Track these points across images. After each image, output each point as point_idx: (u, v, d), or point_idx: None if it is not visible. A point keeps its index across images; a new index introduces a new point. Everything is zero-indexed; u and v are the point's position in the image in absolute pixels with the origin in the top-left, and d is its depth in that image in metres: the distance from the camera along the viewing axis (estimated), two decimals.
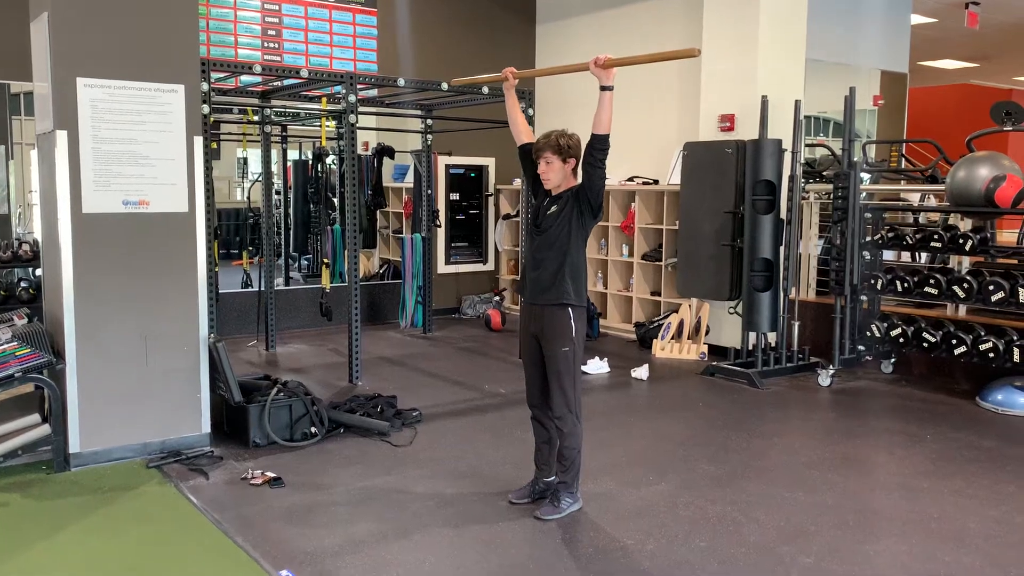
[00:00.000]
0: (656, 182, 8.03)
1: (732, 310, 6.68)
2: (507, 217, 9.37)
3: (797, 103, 6.52)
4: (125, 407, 4.41)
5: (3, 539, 3.52)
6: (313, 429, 4.78)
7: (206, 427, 4.65)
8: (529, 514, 3.78)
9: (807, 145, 7.77)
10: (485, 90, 6.46)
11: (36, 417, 4.35)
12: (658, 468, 4.43)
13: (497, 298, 9.09)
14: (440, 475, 4.30)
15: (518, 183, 8.40)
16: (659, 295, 7.93)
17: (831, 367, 6.26)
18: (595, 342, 7.79)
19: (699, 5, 7.40)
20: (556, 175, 3.67)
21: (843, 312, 6.29)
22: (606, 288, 8.45)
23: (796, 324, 6.64)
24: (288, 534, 3.57)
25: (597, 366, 6.63)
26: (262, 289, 7.30)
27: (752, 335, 6.53)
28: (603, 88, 3.56)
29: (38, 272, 6.01)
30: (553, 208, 3.70)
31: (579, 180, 3.71)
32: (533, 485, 3.92)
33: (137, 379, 4.43)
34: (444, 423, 5.17)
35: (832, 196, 6.36)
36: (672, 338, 7.29)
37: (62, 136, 4.21)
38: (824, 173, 7.57)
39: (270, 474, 4.18)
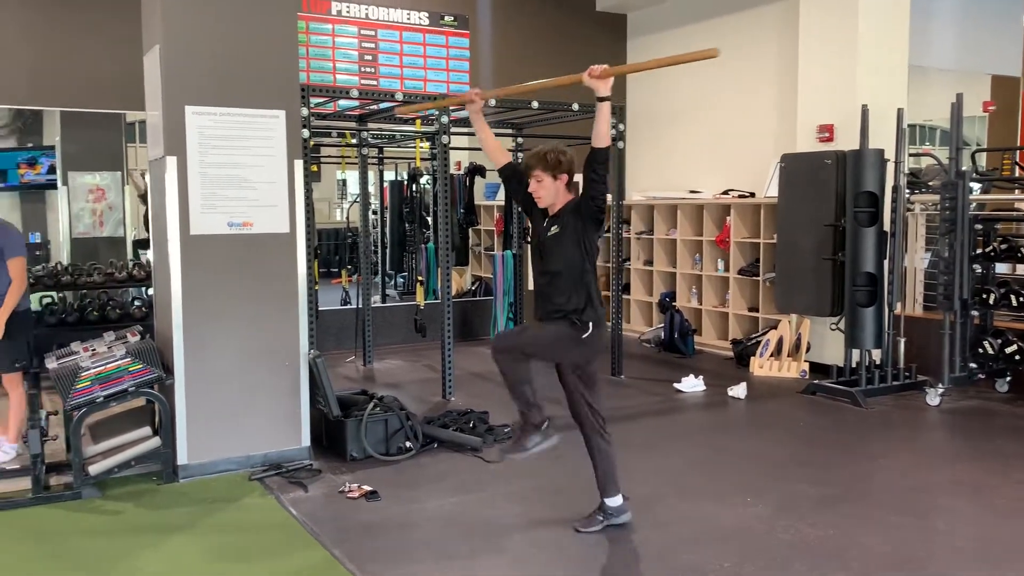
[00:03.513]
0: (752, 195, 7.86)
1: (834, 326, 6.46)
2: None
3: (900, 111, 6.28)
4: (229, 421, 4.58)
5: (117, 546, 3.70)
6: (408, 443, 4.85)
7: (306, 440, 4.78)
8: (625, 533, 3.73)
9: (911, 155, 7.48)
10: (575, 107, 6.47)
11: (147, 430, 4.56)
12: (756, 489, 4.30)
13: None
14: (532, 492, 4.29)
15: (608, 198, 8.36)
16: (757, 311, 7.74)
17: (940, 386, 5.97)
18: (690, 359, 7.66)
19: (794, 13, 7.24)
20: (548, 193, 3.56)
21: (953, 328, 6.00)
22: (701, 304, 8.30)
23: (902, 341, 6.36)
24: (384, 547, 3.62)
25: (692, 384, 6.51)
26: (360, 306, 7.48)
27: (855, 352, 6.29)
28: (600, 99, 3.42)
29: (150, 291, 6.31)
30: (554, 228, 3.57)
31: (575, 195, 3.59)
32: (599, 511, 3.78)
33: (240, 394, 4.60)
34: None
35: (939, 207, 6.09)
36: (771, 355, 7.09)
37: (172, 162, 4.42)
38: (930, 183, 7.26)
39: (367, 487, 4.26)
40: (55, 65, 6.91)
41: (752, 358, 7.17)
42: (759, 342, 7.26)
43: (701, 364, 7.40)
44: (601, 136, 3.44)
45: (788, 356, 7.04)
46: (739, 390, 6.30)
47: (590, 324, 3.52)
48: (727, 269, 7.98)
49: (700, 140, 8.64)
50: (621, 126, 6.78)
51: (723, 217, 8.05)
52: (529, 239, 3.85)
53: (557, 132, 7.60)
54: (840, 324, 6.36)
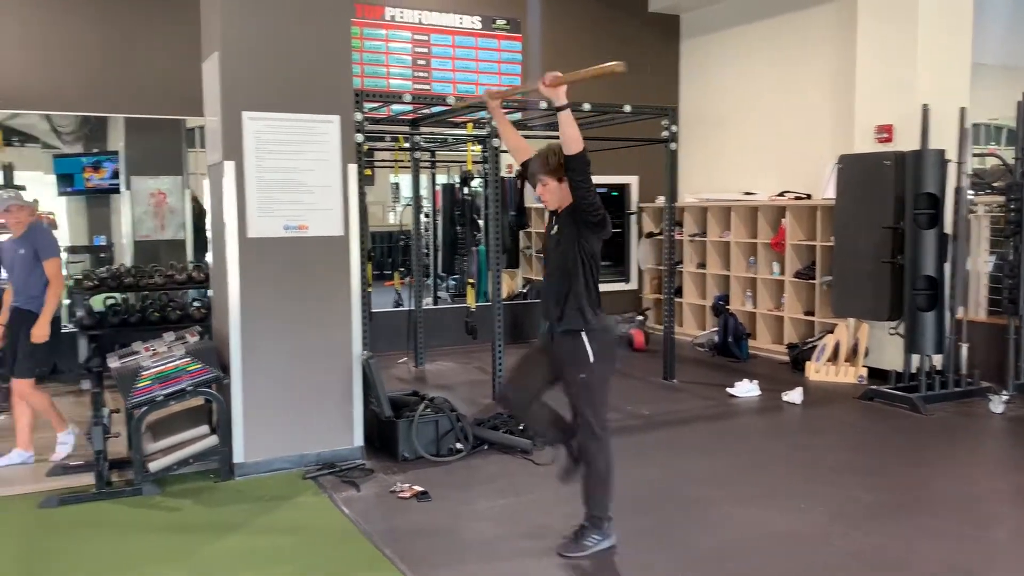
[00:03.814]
0: (808, 196, 7.73)
1: (893, 331, 6.31)
2: (650, 235, 9.27)
3: (962, 110, 6.11)
4: (284, 420, 4.66)
5: (174, 543, 3.80)
6: (458, 445, 4.88)
7: (359, 440, 4.84)
8: (676, 536, 3.70)
9: (975, 155, 7.27)
10: (627, 108, 6.43)
11: (205, 428, 4.66)
12: (810, 495, 4.22)
13: (640, 317, 8.99)
14: (580, 496, 4.27)
15: (661, 200, 8.30)
16: (813, 315, 7.61)
17: (1004, 392, 5.79)
18: (744, 364, 7.56)
19: (851, 12, 7.10)
20: (553, 195, 3.49)
21: (1018, 333, 5.81)
22: (755, 307, 8.18)
23: (964, 346, 6.18)
24: (434, 548, 3.65)
25: (747, 389, 6.42)
26: (412, 308, 7.55)
27: (915, 357, 6.14)
28: (557, 109, 3.32)
29: (209, 292, 6.45)
30: (555, 230, 3.54)
31: None
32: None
33: (295, 393, 4.67)
34: None
35: (1004, 209, 5.91)
36: (828, 360, 6.96)
37: (230, 166, 4.52)
38: (995, 184, 7.05)
39: (417, 488, 4.29)
40: (119, 73, 7.12)
41: (808, 363, 7.04)
42: (815, 346, 7.13)
43: (755, 368, 7.30)
44: (569, 143, 3.29)
45: (845, 361, 6.90)
46: (794, 395, 6.20)
47: (583, 337, 3.43)
48: (782, 272, 7.86)
49: (754, 141, 8.53)
50: (674, 127, 6.72)
51: (778, 219, 7.93)
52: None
53: (610, 133, 7.58)
54: (899, 329, 6.22)
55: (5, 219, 4.81)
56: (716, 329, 7.97)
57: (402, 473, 4.60)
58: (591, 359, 3.44)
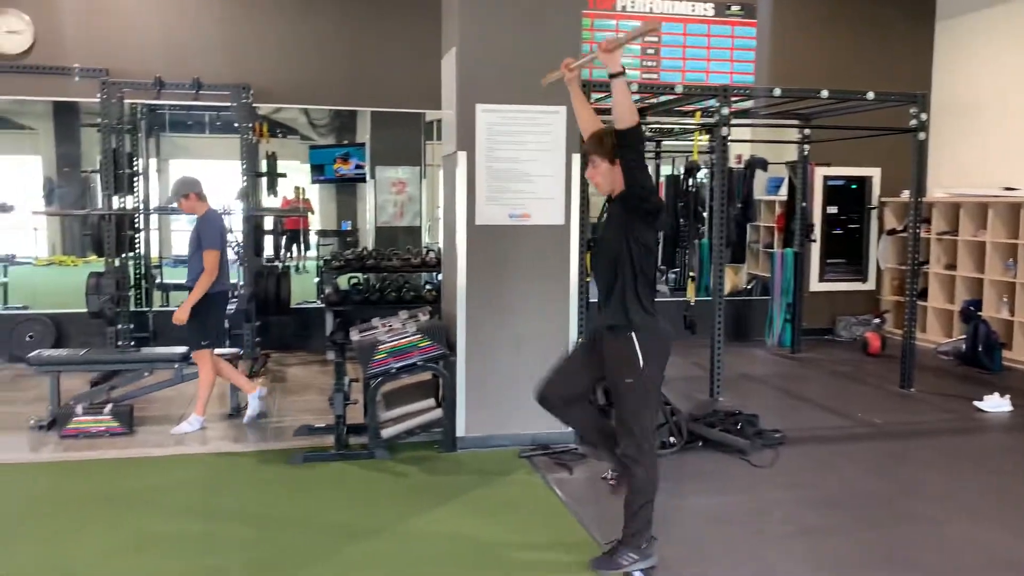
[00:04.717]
0: None
1: None
2: (892, 232, 8.63)
3: None
4: (503, 399, 4.84)
5: (401, 504, 4.07)
6: (672, 439, 4.83)
7: None
8: (905, 551, 3.45)
9: None
10: (871, 95, 6.03)
11: (432, 401, 4.96)
12: None
13: (877, 320, 8.40)
14: (800, 502, 4.09)
15: (906, 195, 7.70)
16: None
17: None
18: (995, 376, 6.86)
19: None
20: (604, 179, 3.21)
21: None
22: (1012, 315, 7.38)
23: None
24: None
25: (996, 403, 5.83)
26: None
27: None
28: (611, 76, 3.04)
29: (439, 276, 6.81)
30: (605, 217, 3.27)
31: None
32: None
33: (513, 374, 4.83)
34: (808, 448, 4.92)
35: None
36: None
37: (463, 157, 4.76)
38: None
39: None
40: (367, 69, 7.66)
41: None
42: None
43: (1008, 382, 6.60)
44: (622, 114, 3.03)
45: None
46: None
47: (633, 338, 3.14)
48: None
49: (1019, 131, 7.67)
50: (923, 115, 6.21)
51: None
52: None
53: (851, 122, 7.14)
54: None
55: (182, 204, 5.26)
56: (964, 337, 7.28)
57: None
58: (640, 363, 3.15)
